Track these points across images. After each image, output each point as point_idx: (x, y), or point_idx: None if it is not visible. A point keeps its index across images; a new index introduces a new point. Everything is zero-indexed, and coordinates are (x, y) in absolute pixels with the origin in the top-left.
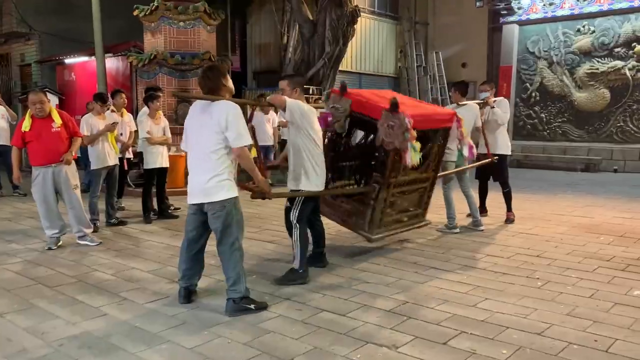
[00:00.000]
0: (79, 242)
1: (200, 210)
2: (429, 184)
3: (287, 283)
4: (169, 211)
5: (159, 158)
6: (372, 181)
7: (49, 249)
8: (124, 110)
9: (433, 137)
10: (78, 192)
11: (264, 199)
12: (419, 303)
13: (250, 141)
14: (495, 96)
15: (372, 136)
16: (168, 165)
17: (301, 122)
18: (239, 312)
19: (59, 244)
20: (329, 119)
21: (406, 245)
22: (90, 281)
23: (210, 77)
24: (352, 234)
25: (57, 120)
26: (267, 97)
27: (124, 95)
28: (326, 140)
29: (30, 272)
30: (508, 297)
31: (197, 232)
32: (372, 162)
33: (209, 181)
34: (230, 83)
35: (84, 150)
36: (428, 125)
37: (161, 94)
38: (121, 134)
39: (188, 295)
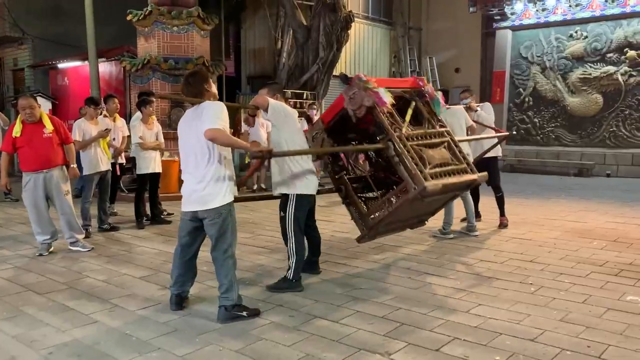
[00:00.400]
0: (71, 248)
1: (195, 217)
2: (450, 138)
3: (279, 291)
4: (162, 216)
5: (151, 163)
6: (383, 142)
7: (40, 255)
8: (117, 115)
9: (411, 96)
10: (69, 198)
11: (263, 157)
12: (412, 309)
13: (221, 125)
14: (481, 102)
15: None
16: (161, 171)
17: (284, 122)
18: (231, 320)
19: (50, 250)
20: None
21: (400, 251)
22: (81, 287)
23: (192, 83)
24: (345, 241)
25: (49, 126)
26: (251, 100)
27: (116, 100)
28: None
29: (20, 278)
30: (501, 303)
31: (191, 238)
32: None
33: (204, 189)
34: (213, 88)
35: (76, 155)
36: (388, 84)
37: (154, 99)
38: (114, 139)
39: (180, 302)
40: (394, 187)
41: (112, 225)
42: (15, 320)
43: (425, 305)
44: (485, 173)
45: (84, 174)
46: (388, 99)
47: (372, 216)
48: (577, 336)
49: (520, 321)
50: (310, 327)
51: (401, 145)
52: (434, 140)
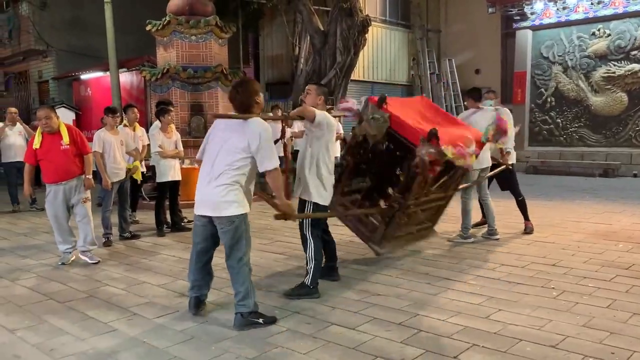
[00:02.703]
0: (80, 256)
1: (210, 222)
2: (447, 201)
3: (296, 297)
4: (182, 224)
5: (170, 171)
6: (391, 200)
7: (62, 264)
8: (137, 125)
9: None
10: (88, 205)
11: (286, 219)
12: (430, 315)
13: (277, 162)
14: (502, 104)
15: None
16: (180, 178)
17: (326, 134)
18: (248, 327)
19: (72, 259)
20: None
21: (419, 255)
22: (101, 296)
23: (242, 93)
24: (363, 246)
25: (66, 138)
26: (295, 110)
27: (135, 110)
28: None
29: (42, 287)
30: (522, 308)
31: (206, 244)
32: (394, 176)
33: (221, 195)
34: (261, 99)
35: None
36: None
37: (172, 108)
38: (134, 149)
39: (198, 304)
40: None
41: (133, 234)
42: (36, 328)
43: (444, 311)
44: (436, 232)
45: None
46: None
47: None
48: (601, 342)
49: (541, 327)
50: (326, 334)
51: (402, 215)
52: (434, 203)
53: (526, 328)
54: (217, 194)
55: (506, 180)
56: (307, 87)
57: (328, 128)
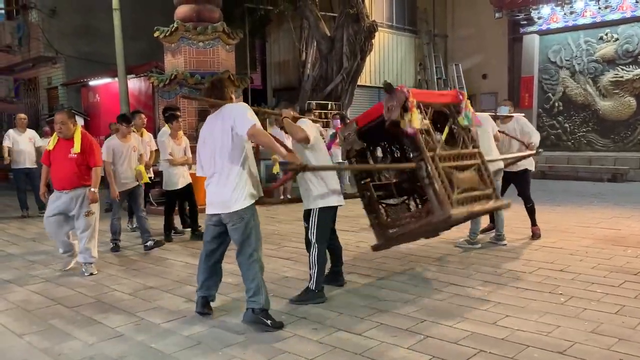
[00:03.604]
0: (78, 265)
1: (219, 221)
2: (481, 161)
3: (302, 302)
4: (199, 231)
5: (180, 179)
6: (416, 161)
7: (63, 269)
8: (144, 130)
9: (449, 112)
10: (91, 218)
11: (300, 171)
12: (437, 321)
13: (255, 121)
14: (515, 111)
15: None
16: (190, 181)
17: (317, 146)
18: (256, 324)
19: (72, 265)
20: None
21: (426, 261)
22: (109, 301)
23: (219, 87)
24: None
25: (76, 147)
26: (285, 126)
27: (142, 116)
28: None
29: (50, 292)
30: (529, 314)
31: (216, 243)
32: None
33: (227, 192)
34: (234, 97)
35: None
36: (429, 99)
37: (180, 114)
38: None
39: (205, 304)
40: (417, 197)
41: (156, 241)
42: (44, 333)
43: (451, 317)
44: (509, 201)
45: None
46: (414, 123)
47: (392, 230)
48: (609, 349)
49: (549, 333)
50: (333, 339)
51: (433, 168)
52: (465, 162)
53: (534, 334)
54: (226, 193)
55: (521, 184)
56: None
57: (318, 140)
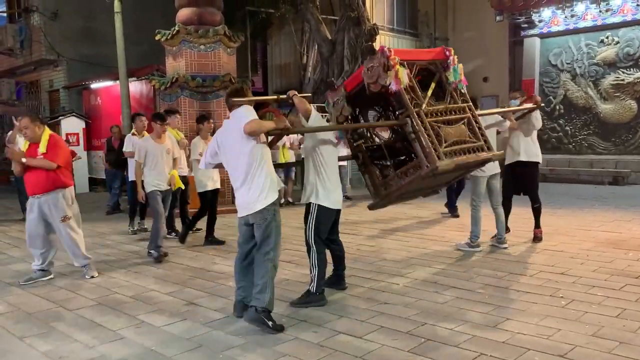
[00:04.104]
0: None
1: (247, 222)
2: (470, 115)
3: (303, 306)
4: (211, 240)
5: (209, 182)
6: (401, 118)
7: (26, 281)
8: (145, 133)
9: (436, 69)
10: (70, 222)
11: (282, 134)
12: (438, 324)
13: (253, 116)
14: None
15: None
16: (219, 186)
17: (321, 134)
18: (257, 323)
19: (50, 277)
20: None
21: (427, 264)
22: (110, 304)
23: (236, 94)
24: (370, 255)
25: (42, 148)
26: (297, 101)
27: (143, 119)
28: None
29: (52, 295)
30: (530, 317)
31: (249, 244)
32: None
33: (254, 195)
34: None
35: (109, 172)
36: (413, 56)
37: (179, 115)
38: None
39: (244, 307)
40: (411, 156)
41: (160, 255)
42: (45, 336)
43: (452, 320)
44: (501, 152)
45: (147, 191)
46: (403, 80)
47: (385, 187)
48: (610, 352)
49: (549, 336)
50: (333, 342)
51: (419, 122)
52: (453, 116)
53: (534, 337)
54: (252, 195)
55: (531, 179)
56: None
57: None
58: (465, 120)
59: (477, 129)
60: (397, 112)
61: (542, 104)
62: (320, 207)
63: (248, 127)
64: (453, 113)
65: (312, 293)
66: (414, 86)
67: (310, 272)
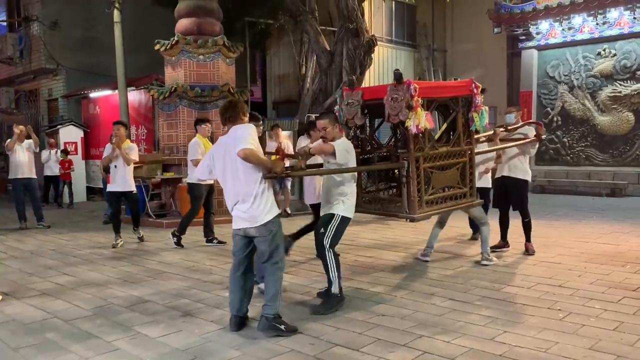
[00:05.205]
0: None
1: (246, 234)
2: (468, 159)
3: (329, 311)
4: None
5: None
6: (400, 158)
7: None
8: (128, 141)
9: (454, 106)
10: None
11: (276, 177)
12: (434, 337)
13: (247, 145)
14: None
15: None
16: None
17: (348, 160)
18: (272, 331)
19: None
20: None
21: (425, 276)
22: (106, 314)
23: (232, 108)
24: (368, 266)
25: None
26: (312, 149)
27: (121, 128)
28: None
29: (47, 305)
30: (527, 330)
31: (244, 252)
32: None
33: (256, 208)
34: (246, 119)
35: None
36: (439, 93)
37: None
38: (115, 166)
39: (238, 322)
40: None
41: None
42: (39, 347)
43: (449, 333)
44: (481, 200)
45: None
46: (420, 125)
47: (364, 199)
48: None
49: (547, 349)
50: (329, 355)
51: (414, 169)
52: (450, 161)
53: (532, 350)
54: (253, 209)
55: (519, 196)
56: (320, 125)
57: (349, 153)
58: (461, 164)
59: (468, 174)
60: (399, 144)
61: (543, 137)
62: (343, 218)
63: (242, 154)
64: (452, 157)
65: (335, 295)
66: (426, 129)
67: (329, 275)
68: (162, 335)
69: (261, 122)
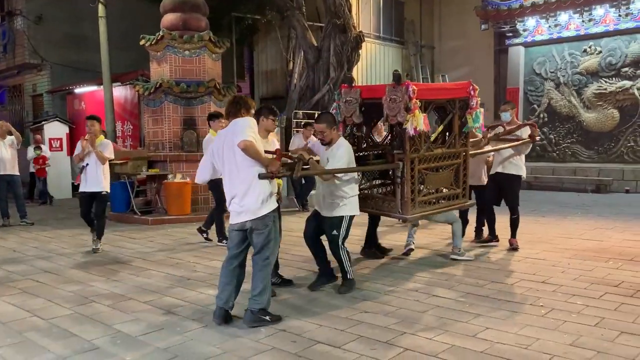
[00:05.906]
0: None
1: (242, 228)
2: (462, 161)
3: (349, 291)
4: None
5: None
6: (395, 159)
7: None
8: (102, 137)
9: (451, 108)
10: None
11: (272, 176)
12: (417, 333)
13: (246, 136)
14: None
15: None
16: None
17: (349, 162)
18: (257, 323)
19: None
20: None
21: (409, 272)
22: (87, 313)
23: (238, 103)
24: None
25: None
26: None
27: (95, 123)
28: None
29: (27, 304)
30: (510, 326)
31: (239, 247)
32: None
33: (253, 201)
34: (249, 115)
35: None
36: (436, 95)
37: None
38: (87, 164)
39: (223, 315)
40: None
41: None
42: (17, 346)
43: (431, 329)
44: (472, 201)
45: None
46: (418, 127)
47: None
48: None
49: (528, 346)
50: (311, 353)
51: (409, 170)
52: (445, 162)
53: (513, 347)
54: (251, 203)
55: (510, 190)
56: (318, 129)
57: (351, 157)
58: (455, 166)
59: (462, 175)
60: (395, 143)
61: (537, 138)
62: (351, 217)
63: (243, 145)
64: (447, 159)
65: (350, 279)
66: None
67: (344, 264)
68: (143, 334)
69: (278, 116)
